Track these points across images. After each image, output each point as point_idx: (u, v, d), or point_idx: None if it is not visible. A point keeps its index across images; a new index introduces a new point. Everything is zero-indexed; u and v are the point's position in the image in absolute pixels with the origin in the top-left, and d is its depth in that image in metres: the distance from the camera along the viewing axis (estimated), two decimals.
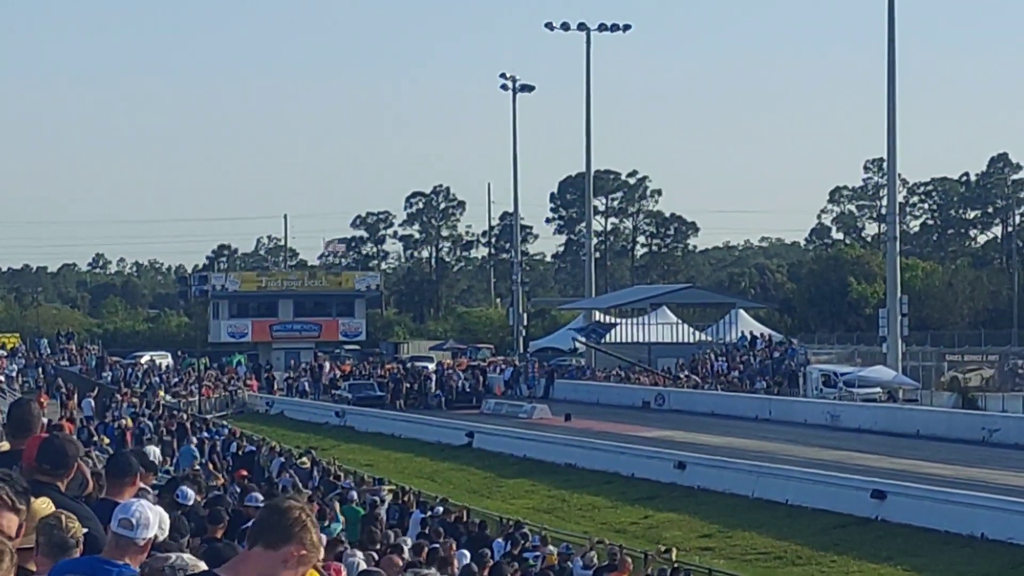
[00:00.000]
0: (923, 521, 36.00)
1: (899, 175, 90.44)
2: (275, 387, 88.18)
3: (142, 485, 9.47)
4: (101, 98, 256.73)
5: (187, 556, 6.28)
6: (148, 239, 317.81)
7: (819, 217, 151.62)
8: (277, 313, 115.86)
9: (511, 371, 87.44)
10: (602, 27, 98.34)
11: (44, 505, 6.69)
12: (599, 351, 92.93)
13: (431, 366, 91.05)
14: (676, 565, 27.08)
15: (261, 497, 22.10)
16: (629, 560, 26.13)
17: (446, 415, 70.22)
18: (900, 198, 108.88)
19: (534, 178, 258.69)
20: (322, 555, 5.31)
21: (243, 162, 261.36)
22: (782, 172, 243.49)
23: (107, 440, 44.92)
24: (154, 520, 6.54)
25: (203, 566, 5.84)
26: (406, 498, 35.78)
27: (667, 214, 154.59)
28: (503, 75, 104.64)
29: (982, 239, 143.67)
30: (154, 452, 40.53)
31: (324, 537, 19.99)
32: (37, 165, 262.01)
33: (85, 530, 6.57)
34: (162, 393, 75.68)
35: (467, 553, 24.65)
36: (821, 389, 69.17)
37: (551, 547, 28.78)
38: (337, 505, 30.92)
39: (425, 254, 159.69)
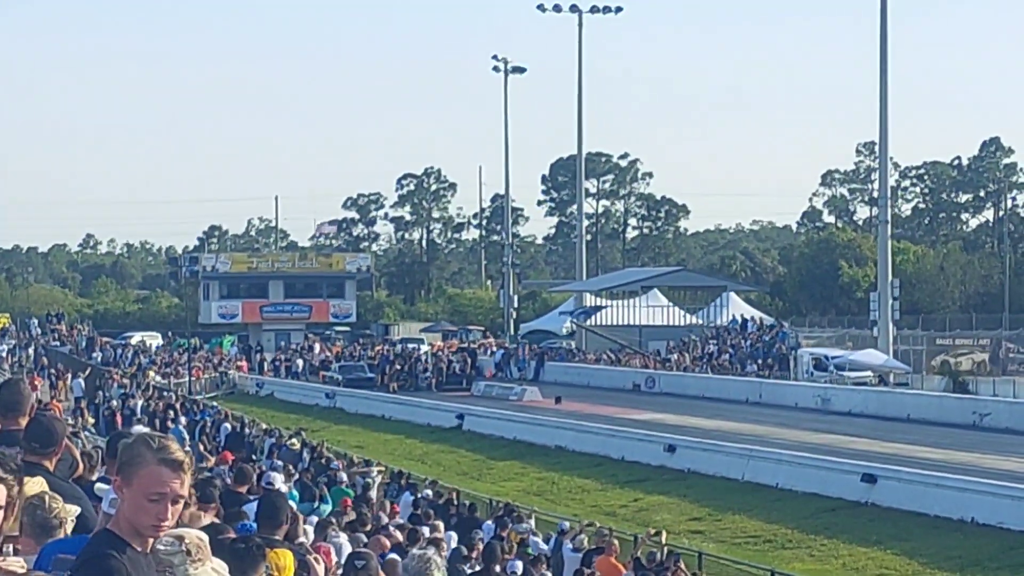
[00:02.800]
0: (913, 505, 36.00)
1: (891, 159, 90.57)
2: (266, 368, 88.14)
3: None
4: (93, 79, 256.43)
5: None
6: (139, 220, 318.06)
7: (811, 200, 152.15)
8: (267, 294, 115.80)
9: (502, 353, 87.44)
10: (594, 9, 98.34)
11: (39, 486, 6.64)
12: (593, 333, 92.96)
13: (423, 347, 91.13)
14: (666, 548, 27.04)
15: (281, 477, 22.02)
16: (616, 543, 26.13)
17: (437, 397, 70.15)
18: (892, 182, 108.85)
19: (526, 160, 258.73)
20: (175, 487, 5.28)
21: (234, 143, 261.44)
22: (774, 155, 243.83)
23: (92, 420, 44.83)
24: None
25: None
26: (403, 481, 35.79)
27: (658, 197, 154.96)
28: (495, 57, 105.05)
29: (974, 223, 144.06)
30: None
31: (315, 518, 19.95)
32: (28, 145, 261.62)
33: (79, 510, 6.50)
34: (152, 374, 75.57)
35: (454, 535, 24.60)
36: (812, 372, 69.19)
37: (524, 524, 28.82)
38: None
39: (416, 236, 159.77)
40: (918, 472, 38.36)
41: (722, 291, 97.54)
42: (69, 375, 66.60)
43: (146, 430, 5.72)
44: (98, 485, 7.92)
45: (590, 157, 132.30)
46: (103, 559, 5.15)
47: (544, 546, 27.62)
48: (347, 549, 15.64)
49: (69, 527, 6.31)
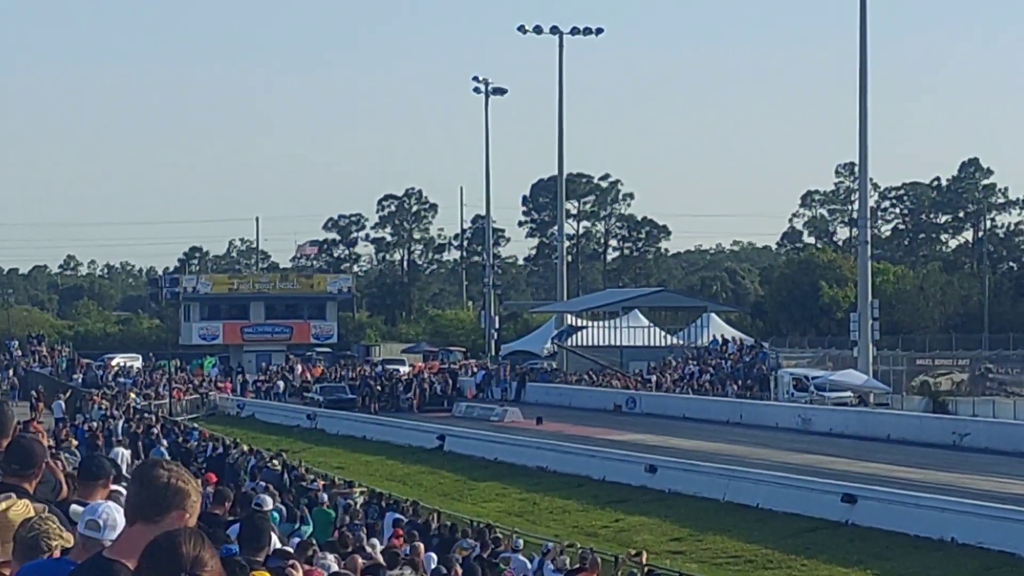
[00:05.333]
0: (893, 525, 36.07)
1: (870, 179, 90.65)
2: (248, 389, 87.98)
3: (114, 487, 9.41)
4: (73, 99, 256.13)
5: None
6: (119, 241, 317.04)
7: (791, 221, 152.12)
8: (248, 315, 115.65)
9: (483, 374, 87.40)
10: (575, 30, 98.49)
11: (22, 508, 6.65)
12: (574, 354, 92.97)
13: (404, 368, 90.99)
14: (647, 569, 27.08)
15: (269, 500, 21.99)
16: (599, 560, 26.23)
17: (417, 418, 70.06)
18: (872, 202, 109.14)
19: (506, 181, 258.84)
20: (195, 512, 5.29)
21: (215, 164, 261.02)
22: (754, 176, 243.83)
23: (75, 442, 44.66)
24: (121, 522, 6.49)
25: None
26: (383, 502, 35.81)
27: (639, 217, 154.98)
28: (476, 78, 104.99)
29: (953, 243, 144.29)
30: (123, 455, 40.50)
31: (296, 540, 19.94)
32: (8, 166, 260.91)
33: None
34: (132, 395, 75.41)
35: (434, 556, 24.62)
36: (792, 393, 69.23)
37: (469, 540, 28.93)
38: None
39: (397, 257, 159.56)
40: (898, 492, 38.45)
41: (702, 312, 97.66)
42: (57, 397, 66.48)
43: (167, 465, 5.62)
44: (73, 507, 7.90)
45: (571, 178, 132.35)
46: None
47: (530, 565, 27.67)
48: (333, 570, 15.65)
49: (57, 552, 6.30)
